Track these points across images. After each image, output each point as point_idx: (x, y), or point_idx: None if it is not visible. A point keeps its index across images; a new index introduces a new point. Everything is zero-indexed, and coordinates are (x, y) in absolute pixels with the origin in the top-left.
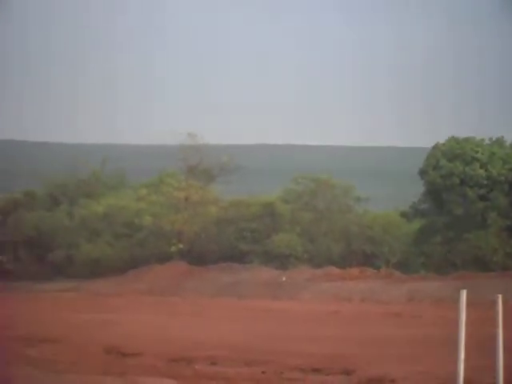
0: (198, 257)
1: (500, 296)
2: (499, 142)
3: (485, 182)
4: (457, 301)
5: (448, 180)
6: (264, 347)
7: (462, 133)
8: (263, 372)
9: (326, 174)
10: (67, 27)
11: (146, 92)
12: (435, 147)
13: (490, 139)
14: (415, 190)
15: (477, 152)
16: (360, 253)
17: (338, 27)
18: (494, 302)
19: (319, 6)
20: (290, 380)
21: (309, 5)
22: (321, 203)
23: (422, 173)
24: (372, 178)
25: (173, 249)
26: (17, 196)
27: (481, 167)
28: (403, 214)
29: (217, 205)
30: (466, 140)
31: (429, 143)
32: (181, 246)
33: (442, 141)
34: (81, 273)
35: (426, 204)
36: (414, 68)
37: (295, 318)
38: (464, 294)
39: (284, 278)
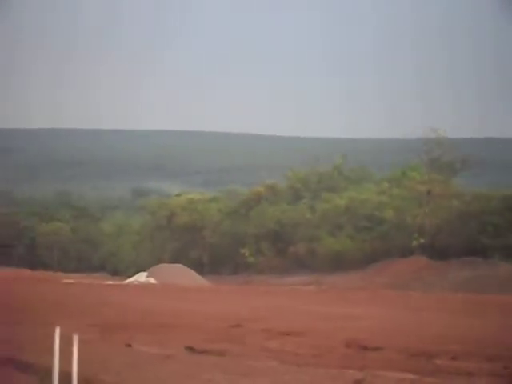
0: (439, 251)
1: None
2: None
3: None
4: None
5: None
6: (506, 341)
7: None
8: (505, 367)
9: None
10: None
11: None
12: None
13: None
14: None
15: None
16: None
17: None
18: None
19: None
20: None
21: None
22: None
23: None
24: None
25: (414, 243)
26: (259, 189)
27: None
28: None
29: (459, 198)
30: None
31: None
32: (422, 240)
33: None
34: (321, 266)
35: None
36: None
37: None
38: None
39: None
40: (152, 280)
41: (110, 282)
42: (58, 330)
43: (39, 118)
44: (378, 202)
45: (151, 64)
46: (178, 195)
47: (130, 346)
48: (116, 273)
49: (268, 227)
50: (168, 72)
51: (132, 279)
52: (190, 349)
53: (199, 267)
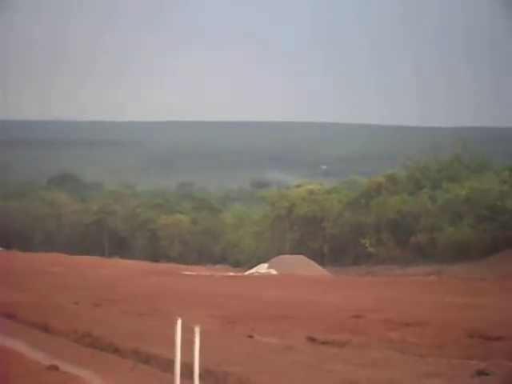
0: None
1: None
2: None
3: None
4: None
5: None
6: None
7: None
8: None
9: None
10: None
11: None
12: None
13: None
14: None
15: None
16: None
17: None
18: None
19: None
20: None
21: None
22: None
23: None
24: None
25: None
26: (380, 179)
27: None
28: None
29: None
30: None
31: None
32: None
33: None
34: (443, 256)
35: None
36: None
37: None
38: None
39: None
40: (273, 271)
41: (231, 274)
42: (179, 322)
43: (162, 112)
44: (499, 192)
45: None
46: (298, 186)
47: (251, 337)
48: (237, 264)
49: (388, 217)
50: (280, 62)
51: (253, 270)
52: (311, 339)
53: (319, 258)
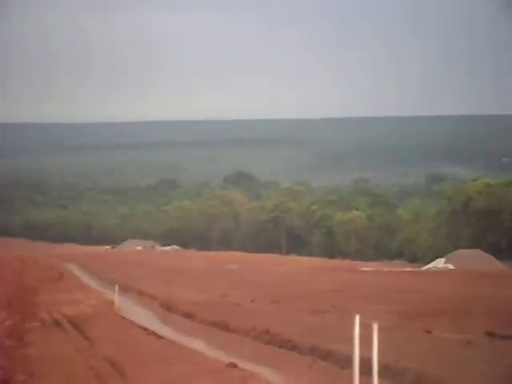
0: None
1: None
2: None
3: None
4: None
5: None
6: None
7: None
8: None
9: None
10: None
11: None
12: None
13: None
14: None
15: None
16: None
17: None
18: None
19: None
20: None
21: None
22: None
23: None
24: None
25: None
26: None
27: None
28: None
29: None
30: None
31: None
32: None
33: None
34: None
35: None
36: None
37: None
38: None
39: None
40: (450, 266)
41: (409, 269)
42: (357, 318)
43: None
44: None
45: None
46: (474, 180)
47: (429, 332)
48: (414, 259)
49: None
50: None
51: (430, 265)
52: (490, 334)
53: (497, 252)
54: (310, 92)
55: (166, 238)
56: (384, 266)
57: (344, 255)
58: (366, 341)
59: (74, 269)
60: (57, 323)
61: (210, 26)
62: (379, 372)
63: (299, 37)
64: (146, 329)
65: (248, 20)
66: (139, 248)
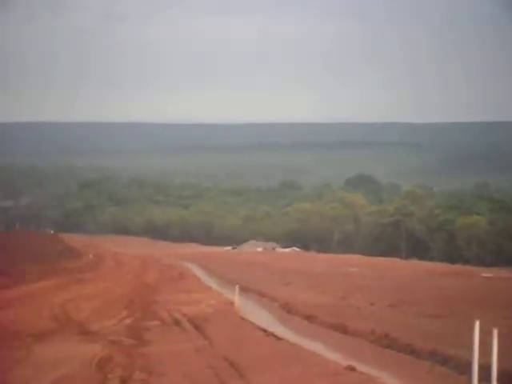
0: None
1: None
2: None
3: None
4: None
5: None
6: None
7: None
8: None
9: None
10: None
11: None
12: None
13: None
14: None
15: None
16: None
17: None
18: None
19: None
20: None
21: None
22: None
23: None
24: None
25: None
26: None
27: None
28: None
29: None
30: None
31: None
32: None
33: None
34: None
35: None
36: None
37: None
38: None
39: None
40: None
41: None
42: (477, 324)
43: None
44: None
45: None
46: None
47: None
48: None
49: None
50: None
51: None
52: None
53: None
54: (438, 95)
55: (287, 240)
56: (505, 273)
57: (465, 260)
58: (485, 346)
59: (194, 269)
60: (176, 322)
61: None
62: (498, 378)
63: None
64: (265, 330)
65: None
66: (260, 249)
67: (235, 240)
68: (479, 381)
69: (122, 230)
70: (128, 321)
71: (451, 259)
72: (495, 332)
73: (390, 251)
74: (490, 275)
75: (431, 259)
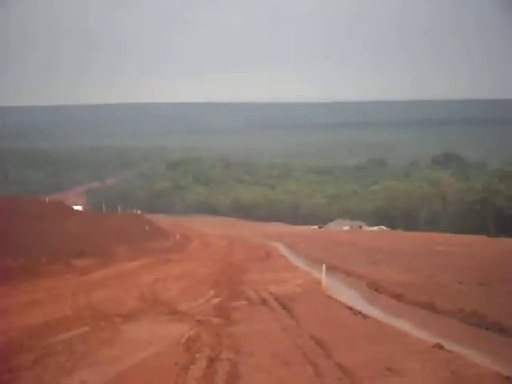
0: None
1: None
2: None
3: None
4: None
5: None
6: None
7: None
8: None
9: None
10: None
11: None
12: None
13: None
14: None
15: None
16: None
17: None
18: None
19: None
20: None
21: None
22: None
23: None
24: None
25: None
26: None
27: None
28: None
29: None
30: None
31: None
32: None
33: None
34: None
35: None
36: None
37: None
38: None
39: None
40: None
41: None
42: None
43: None
44: None
45: None
46: None
47: None
48: None
49: None
50: None
51: None
52: None
53: None
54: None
55: (373, 218)
56: None
57: None
58: None
59: (280, 248)
60: (264, 302)
61: None
62: None
63: None
64: (352, 309)
65: None
66: (346, 228)
67: (321, 219)
68: None
69: (209, 210)
70: (215, 300)
71: None
72: None
73: (477, 229)
74: None
75: None
